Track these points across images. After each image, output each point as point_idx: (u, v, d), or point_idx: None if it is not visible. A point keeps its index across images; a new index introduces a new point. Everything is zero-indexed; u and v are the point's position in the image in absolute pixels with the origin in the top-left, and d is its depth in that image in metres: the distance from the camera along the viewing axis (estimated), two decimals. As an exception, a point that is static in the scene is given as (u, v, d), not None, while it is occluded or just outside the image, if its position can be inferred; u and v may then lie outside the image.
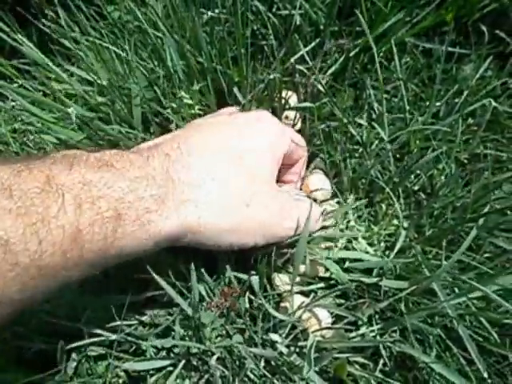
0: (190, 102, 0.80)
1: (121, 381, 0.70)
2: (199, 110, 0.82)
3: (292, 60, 0.81)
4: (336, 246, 0.71)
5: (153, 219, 0.48)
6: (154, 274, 0.60)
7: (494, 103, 0.74)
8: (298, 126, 0.86)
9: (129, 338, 0.67)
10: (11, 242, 0.37)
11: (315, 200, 0.74)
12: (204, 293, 0.67)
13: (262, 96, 0.82)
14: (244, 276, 0.68)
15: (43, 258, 0.40)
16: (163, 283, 0.62)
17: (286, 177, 0.75)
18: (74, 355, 0.68)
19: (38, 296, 0.43)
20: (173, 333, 0.67)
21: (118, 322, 0.66)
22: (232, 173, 0.56)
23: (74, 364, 0.70)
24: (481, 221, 0.61)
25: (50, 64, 0.89)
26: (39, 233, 0.39)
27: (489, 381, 0.53)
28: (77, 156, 0.47)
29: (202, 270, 0.68)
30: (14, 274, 0.39)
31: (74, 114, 0.80)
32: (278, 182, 0.73)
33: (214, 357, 0.64)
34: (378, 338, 0.63)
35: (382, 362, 0.62)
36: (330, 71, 0.89)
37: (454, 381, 0.55)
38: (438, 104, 0.81)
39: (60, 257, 0.41)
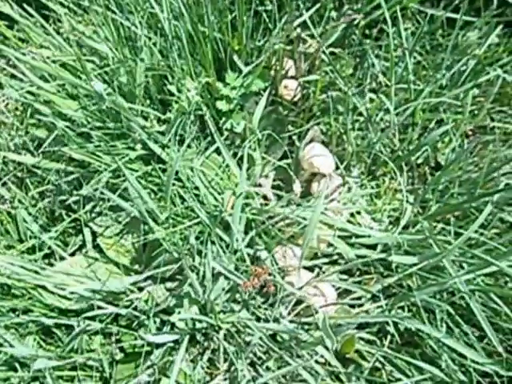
0: (189, 82, 0.74)
1: (117, 357, 0.68)
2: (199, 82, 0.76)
3: (294, 26, 0.76)
4: (340, 221, 0.69)
5: None
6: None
7: (501, 73, 0.71)
8: (298, 95, 0.82)
9: (132, 312, 0.64)
10: None
11: (319, 173, 0.71)
12: (220, 269, 0.63)
13: (263, 68, 0.77)
14: (251, 251, 0.66)
15: None
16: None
17: None
18: (75, 331, 0.65)
19: None
20: (177, 309, 0.65)
21: (120, 296, 0.64)
22: None
23: (73, 339, 0.67)
24: (495, 197, 0.59)
25: (51, 31, 0.81)
26: None
27: (503, 355, 0.52)
28: None
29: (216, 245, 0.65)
30: None
31: (101, 87, 0.73)
32: None
33: (222, 332, 0.62)
34: (386, 314, 0.61)
35: (389, 338, 0.61)
36: (331, 39, 0.84)
37: (465, 354, 0.55)
38: (442, 72, 0.77)
39: None
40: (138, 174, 0.74)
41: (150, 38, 0.76)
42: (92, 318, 0.67)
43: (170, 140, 0.72)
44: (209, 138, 0.78)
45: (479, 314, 0.52)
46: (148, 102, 0.81)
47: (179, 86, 0.74)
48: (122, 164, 0.68)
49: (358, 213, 0.72)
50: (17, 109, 0.95)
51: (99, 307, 0.64)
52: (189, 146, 0.75)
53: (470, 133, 0.77)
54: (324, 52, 0.79)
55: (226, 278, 0.64)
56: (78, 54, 0.68)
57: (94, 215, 0.81)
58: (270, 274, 0.60)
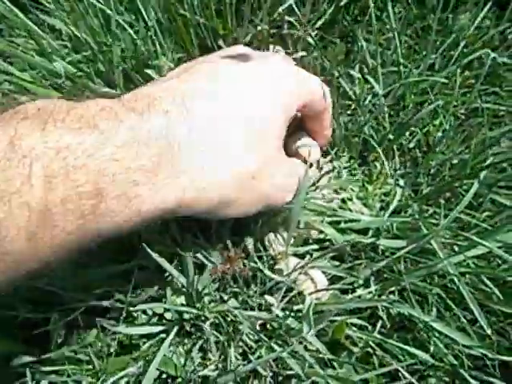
0: (171, 64, 0.74)
1: (112, 349, 0.67)
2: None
3: (280, 10, 0.75)
4: (330, 207, 0.68)
5: (141, 193, 0.39)
6: (144, 245, 0.55)
7: (492, 54, 0.70)
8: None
9: (118, 305, 0.64)
10: None
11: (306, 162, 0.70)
12: (202, 258, 0.63)
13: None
14: (238, 239, 0.65)
15: (3, 245, 0.32)
16: (152, 253, 0.57)
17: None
18: (62, 324, 0.64)
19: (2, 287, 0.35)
20: (164, 299, 0.64)
21: (108, 289, 0.63)
22: (241, 139, 0.46)
23: (63, 333, 0.66)
24: (481, 175, 0.58)
25: (22, 17, 0.80)
26: None
27: (493, 338, 0.51)
28: (55, 110, 0.36)
29: (197, 234, 0.64)
30: None
31: (62, 70, 0.72)
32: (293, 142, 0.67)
33: (208, 322, 0.62)
34: (376, 298, 0.61)
35: (380, 323, 0.60)
36: (319, 23, 0.83)
37: (455, 338, 0.54)
38: (433, 56, 0.76)
39: (25, 242, 0.33)
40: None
41: (131, 25, 0.75)
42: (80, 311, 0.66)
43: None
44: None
45: (468, 296, 0.52)
46: (132, 86, 0.80)
47: (157, 69, 0.73)
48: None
49: (350, 199, 0.71)
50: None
51: (82, 300, 0.63)
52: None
53: (462, 116, 0.76)
54: (312, 36, 0.78)
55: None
56: (46, 37, 0.67)
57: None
58: (246, 258, 0.60)
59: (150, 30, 0.75)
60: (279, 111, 0.50)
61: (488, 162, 0.60)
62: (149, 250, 0.56)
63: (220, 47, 0.77)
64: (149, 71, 0.76)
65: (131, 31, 0.75)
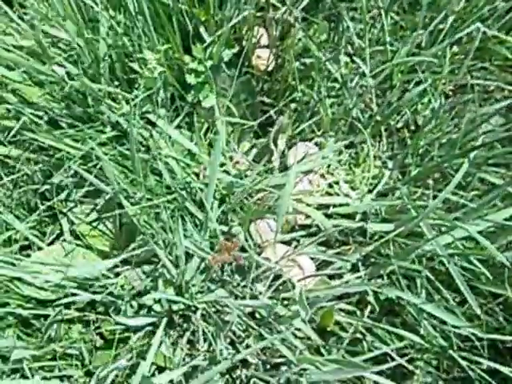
0: (156, 55, 0.74)
1: (98, 344, 0.69)
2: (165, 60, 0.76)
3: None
4: (317, 192, 0.69)
5: None
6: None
7: (482, 27, 0.69)
8: (272, 65, 0.81)
9: (107, 298, 0.65)
10: None
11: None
12: (193, 248, 0.64)
13: (229, 35, 0.76)
14: (225, 228, 0.66)
15: None
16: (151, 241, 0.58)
17: None
18: (49, 320, 0.66)
19: None
20: (152, 291, 0.65)
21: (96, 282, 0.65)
22: None
23: (51, 328, 0.68)
24: (472, 155, 0.58)
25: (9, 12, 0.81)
26: None
27: (482, 318, 0.52)
28: None
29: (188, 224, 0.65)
30: None
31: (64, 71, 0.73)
32: None
33: (198, 312, 0.63)
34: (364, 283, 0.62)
35: (369, 308, 0.61)
36: (304, 3, 0.83)
37: (444, 319, 0.55)
38: (420, 32, 0.76)
39: None
40: (109, 157, 0.74)
41: (112, 17, 0.76)
42: (68, 307, 0.68)
43: (134, 117, 0.72)
44: (180, 117, 0.78)
45: (457, 277, 0.52)
46: (116, 83, 0.81)
47: (141, 62, 0.73)
48: (92, 146, 0.68)
49: (336, 183, 0.71)
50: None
51: (74, 294, 0.64)
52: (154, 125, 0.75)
53: (451, 93, 0.76)
54: (296, 18, 0.78)
55: (200, 256, 0.65)
56: (37, 37, 0.68)
57: (70, 204, 0.82)
58: (241, 249, 0.60)
59: (133, 21, 0.75)
60: None
61: (479, 141, 0.60)
62: (149, 239, 0.58)
63: (200, 34, 0.77)
64: (133, 65, 0.76)
65: (114, 23, 0.75)
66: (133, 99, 0.75)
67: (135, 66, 0.77)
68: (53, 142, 0.76)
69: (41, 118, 0.79)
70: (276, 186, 0.66)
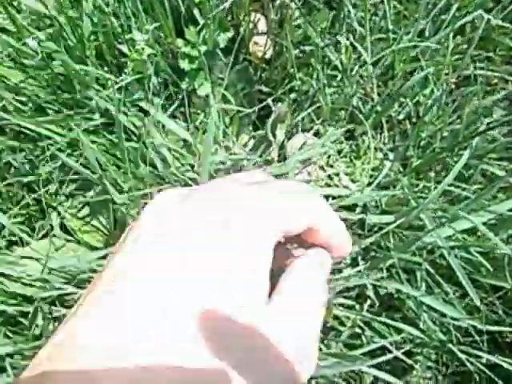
0: (145, 36, 0.72)
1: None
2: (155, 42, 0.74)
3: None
4: (316, 184, 0.68)
5: None
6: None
7: (486, 16, 0.68)
8: (270, 53, 0.80)
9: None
10: None
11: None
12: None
13: (224, 17, 0.74)
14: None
15: None
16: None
17: None
18: (30, 316, 0.64)
19: None
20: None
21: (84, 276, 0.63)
22: None
23: (40, 325, 0.67)
24: (473, 143, 0.57)
25: None
26: None
27: (481, 309, 0.51)
28: None
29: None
30: None
31: (37, 45, 0.71)
32: None
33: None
34: (364, 278, 0.61)
35: (368, 302, 0.60)
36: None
37: (444, 311, 0.54)
38: (423, 21, 0.75)
39: None
40: (97, 145, 0.72)
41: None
42: (55, 303, 0.66)
43: (123, 102, 0.70)
44: (175, 106, 0.77)
45: (457, 269, 0.52)
46: (106, 69, 0.79)
47: (130, 43, 0.71)
48: (78, 132, 0.66)
49: (336, 174, 0.70)
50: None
51: (60, 289, 0.63)
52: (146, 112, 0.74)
53: (454, 86, 0.75)
54: (296, 3, 0.76)
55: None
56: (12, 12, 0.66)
57: (60, 198, 0.80)
58: None
59: (122, 1, 0.73)
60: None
61: (480, 130, 0.59)
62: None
63: (194, 17, 0.75)
64: (121, 47, 0.74)
65: (101, 2, 0.73)
66: (121, 82, 0.73)
67: (124, 48, 0.75)
68: (37, 127, 0.74)
69: (25, 104, 0.77)
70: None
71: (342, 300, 0.62)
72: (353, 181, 0.69)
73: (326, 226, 0.33)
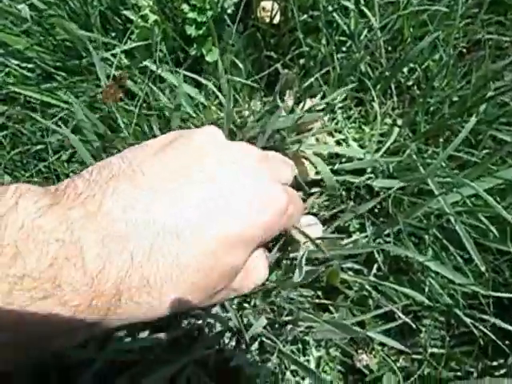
0: (150, 1, 0.72)
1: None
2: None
3: None
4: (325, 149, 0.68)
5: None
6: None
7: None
8: (277, 18, 0.79)
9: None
10: None
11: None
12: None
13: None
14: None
15: None
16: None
17: None
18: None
19: None
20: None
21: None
22: None
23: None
24: (481, 109, 0.58)
25: None
26: None
27: (486, 275, 0.53)
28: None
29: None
30: None
31: (27, 12, 0.71)
32: None
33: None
34: (371, 243, 0.62)
35: (375, 266, 0.62)
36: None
37: (450, 277, 0.56)
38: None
39: None
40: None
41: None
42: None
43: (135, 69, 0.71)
44: (184, 68, 0.77)
45: (462, 234, 0.53)
46: (113, 34, 0.79)
47: (136, 10, 0.71)
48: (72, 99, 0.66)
49: (345, 140, 0.71)
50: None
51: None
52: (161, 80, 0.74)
53: (465, 51, 0.75)
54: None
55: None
56: None
57: (73, 166, 0.81)
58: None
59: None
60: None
61: (489, 95, 0.59)
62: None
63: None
64: (126, 12, 0.74)
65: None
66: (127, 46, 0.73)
67: (129, 14, 0.75)
68: (41, 96, 0.74)
69: (32, 70, 0.77)
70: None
71: (349, 264, 0.64)
72: (361, 146, 0.70)
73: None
